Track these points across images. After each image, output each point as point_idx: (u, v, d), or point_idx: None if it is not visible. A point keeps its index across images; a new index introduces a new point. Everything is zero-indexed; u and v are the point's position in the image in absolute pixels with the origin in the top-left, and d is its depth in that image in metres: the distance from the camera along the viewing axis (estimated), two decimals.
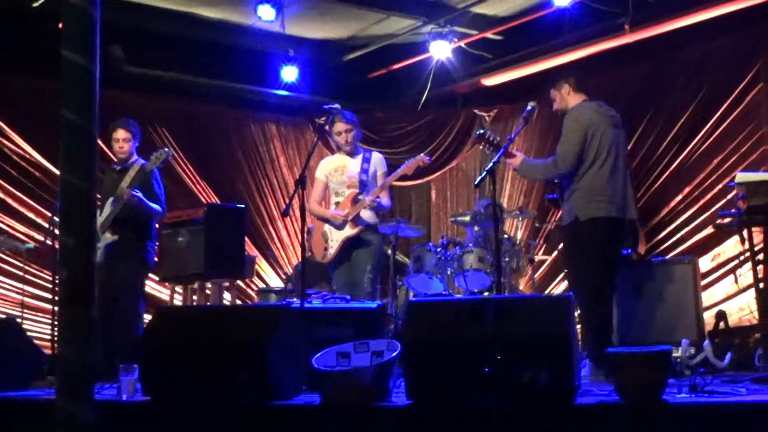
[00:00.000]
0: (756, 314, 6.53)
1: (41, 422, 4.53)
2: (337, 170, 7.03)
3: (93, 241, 2.82)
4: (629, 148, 7.83)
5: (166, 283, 8.73)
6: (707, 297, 8.18)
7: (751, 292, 7.04)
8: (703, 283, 7.83)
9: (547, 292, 9.76)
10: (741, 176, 6.02)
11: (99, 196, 6.74)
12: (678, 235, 8.94)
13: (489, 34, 9.97)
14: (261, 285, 10.51)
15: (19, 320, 7.81)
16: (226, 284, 8.41)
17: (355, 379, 4.21)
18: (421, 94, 10.60)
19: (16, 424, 4.92)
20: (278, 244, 11.08)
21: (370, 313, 5.63)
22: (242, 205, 8.98)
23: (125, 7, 8.97)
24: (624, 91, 9.24)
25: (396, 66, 10.71)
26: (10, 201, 9.25)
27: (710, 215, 8.36)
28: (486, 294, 8.28)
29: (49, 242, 7.38)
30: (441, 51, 9.74)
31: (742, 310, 8.04)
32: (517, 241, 8.86)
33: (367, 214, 6.92)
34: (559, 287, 9.75)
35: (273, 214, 11.11)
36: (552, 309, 4.16)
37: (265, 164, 11.25)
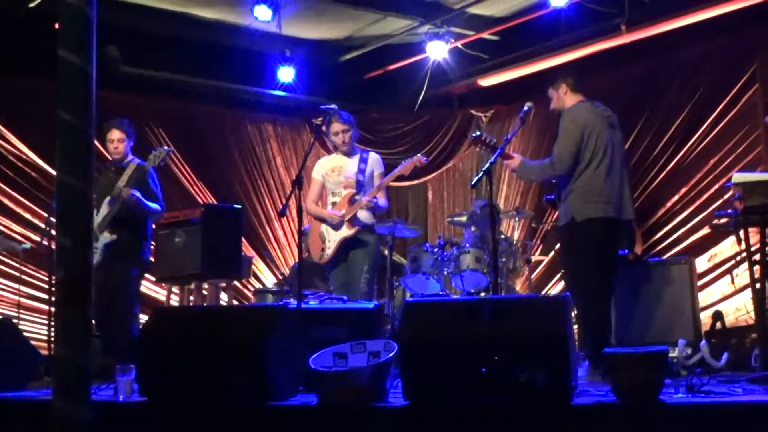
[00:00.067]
0: (752, 314, 6.54)
1: (38, 423, 4.52)
2: (334, 170, 7.03)
3: (90, 242, 2.82)
4: (626, 148, 7.83)
5: (163, 284, 8.72)
6: (704, 297, 8.19)
7: (748, 293, 7.04)
8: (699, 283, 7.85)
9: (543, 292, 9.77)
10: (737, 177, 6.02)
11: (95, 195, 6.74)
12: (675, 236, 8.94)
13: (485, 35, 9.98)
14: (258, 285, 10.50)
15: (15, 321, 7.80)
16: (223, 285, 8.41)
17: (352, 379, 4.21)
18: (418, 95, 10.60)
19: (12, 425, 4.91)
20: (275, 245, 11.08)
21: (367, 313, 5.62)
22: (239, 206, 8.96)
23: (121, 7, 8.96)
24: (620, 91, 9.24)
25: (392, 66, 10.71)
26: (6, 201, 9.24)
27: (707, 216, 8.37)
28: (483, 294, 8.28)
29: (45, 243, 7.37)
30: (437, 51, 9.74)
31: (739, 310, 8.05)
32: (514, 242, 8.86)
33: (364, 215, 6.92)
34: (555, 288, 9.75)
35: (270, 214, 11.10)
36: (549, 309, 4.16)
37: (262, 164, 11.24)
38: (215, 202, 10.31)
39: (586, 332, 6.05)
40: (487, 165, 5.84)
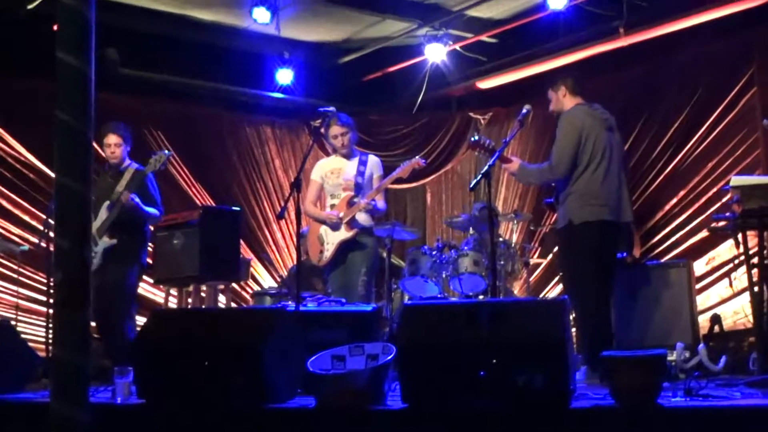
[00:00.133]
0: (750, 318, 6.54)
1: (36, 425, 4.51)
2: (333, 172, 7.03)
3: (88, 243, 2.81)
4: (624, 150, 7.84)
5: (161, 286, 8.72)
6: (702, 300, 8.19)
7: (746, 296, 7.05)
8: (697, 286, 7.85)
9: (542, 295, 9.76)
10: (736, 180, 6.02)
11: (93, 198, 6.73)
12: (673, 239, 8.95)
13: (484, 37, 9.98)
14: (256, 288, 10.49)
15: (13, 323, 7.79)
16: (221, 287, 8.41)
17: (350, 382, 4.21)
18: (416, 97, 10.60)
19: (10, 427, 4.91)
20: (273, 247, 11.07)
21: (365, 316, 5.62)
22: (237, 208, 8.98)
23: (120, 9, 8.97)
24: (619, 94, 9.24)
25: (391, 69, 10.71)
26: (4, 203, 9.23)
27: (705, 219, 8.37)
28: (481, 297, 8.28)
29: (43, 244, 7.36)
30: (436, 54, 9.74)
31: (737, 313, 8.05)
32: (512, 245, 8.86)
33: (362, 217, 6.92)
34: (554, 291, 9.75)
35: (268, 216, 11.10)
36: (547, 312, 4.16)
37: (260, 167, 11.24)
38: (213, 204, 10.31)
39: (585, 335, 6.05)
40: (486, 168, 5.84)
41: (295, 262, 8.09)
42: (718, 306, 8.25)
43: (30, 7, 8.61)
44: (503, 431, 3.84)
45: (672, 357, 5.51)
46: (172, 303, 8.49)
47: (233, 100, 10.83)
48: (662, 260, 8.51)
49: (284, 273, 10.54)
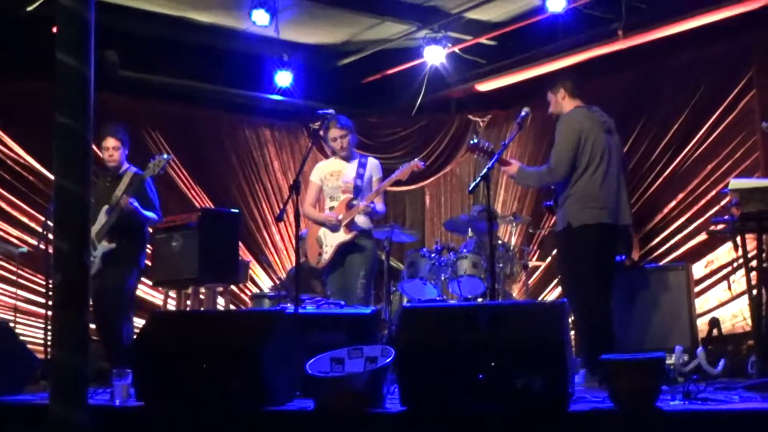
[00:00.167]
0: (749, 321, 6.54)
1: (35, 427, 4.51)
2: (333, 174, 7.03)
3: (87, 246, 2.81)
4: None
5: (160, 288, 8.72)
6: (700, 304, 8.19)
7: (745, 299, 7.05)
8: (696, 289, 7.85)
9: (540, 298, 9.76)
10: (734, 183, 6.02)
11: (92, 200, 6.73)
12: (671, 242, 8.95)
13: (483, 40, 9.98)
14: (255, 290, 10.49)
15: (12, 324, 7.78)
16: (220, 289, 8.40)
17: (349, 385, 4.21)
18: (415, 99, 10.60)
19: (9, 429, 4.91)
20: (272, 249, 11.07)
21: (364, 318, 5.62)
22: (236, 210, 8.97)
23: (119, 11, 8.97)
24: (618, 96, 9.24)
25: (390, 71, 10.71)
26: (3, 205, 9.22)
27: (704, 222, 8.37)
28: (480, 300, 8.28)
29: (42, 246, 7.36)
30: (435, 56, 9.74)
31: (736, 317, 8.05)
32: (511, 247, 8.86)
33: (361, 220, 6.92)
34: (552, 293, 9.75)
35: (267, 219, 11.09)
36: (546, 315, 4.16)
37: (259, 169, 11.24)
38: (212, 207, 10.30)
39: (583, 338, 6.05)
40: (485, 170, 5.84)
41: (293, 265, 8.08)
42: (717, 309, 8.25)
43: (29, 8, 8.60)
44: None
45: (671, 360, 5.52)
46: (171, 305, 8.48)
47: (232, 102, 10.83)
48: (661, 263, 8.51)
49: (283, 275, 10.54)
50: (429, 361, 4.05)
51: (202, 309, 8.14)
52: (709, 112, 8.77)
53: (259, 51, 10.23)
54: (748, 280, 6.14)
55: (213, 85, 10.43)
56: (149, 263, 7.76)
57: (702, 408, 3.82)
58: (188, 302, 8.21)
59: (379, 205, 6.97)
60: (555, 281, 9.54)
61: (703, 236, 8.33)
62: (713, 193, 8.47)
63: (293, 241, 10.35)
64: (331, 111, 6.72)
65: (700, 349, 5.76)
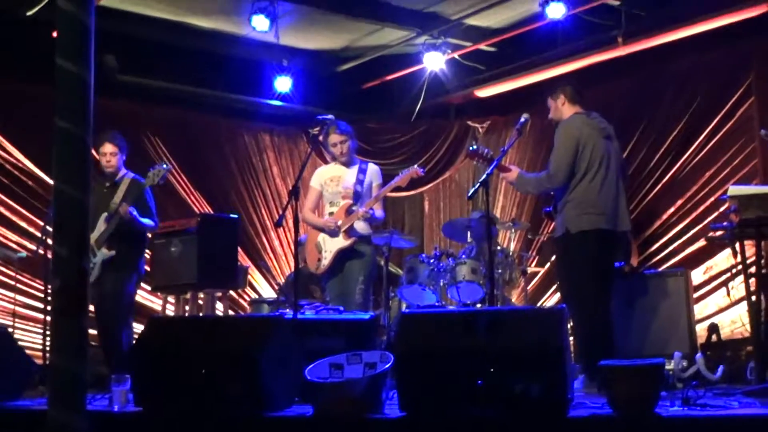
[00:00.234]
0: (748, 327, 6.54)
1: None
2: (333, 180, 7.02)
3: (86, 251, 2.81)
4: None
5: (159, 293, 8.71)
6: (699, 310, 8.19)
7: (744, 305, 7.05)
8: (695, 295, 7.86)
9: (539, 304, 9.76)
10: (733, 189, 6.03)
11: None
12: (670, 248, 8.95)
13: (482, 46, 9.99)
14: (254, 295, 10.49)
15: (10, 330, 7.78)
16: (219, 294, 8.40)
17: (348, 390, 4.20)
18: (415, 105, 10.62)
19: None
20: (271, 255, 11.07)
21: (363, 324, 5.62)
22: (235, 215, 8.97)
23: (119, 16, 8.97)
24: (617, 103, 9.25)
25: (389, 77, 10.72)
26: (2, 209, 9.22)
27: (703, 228, 8.38)
28: (479, 306, 8.28)
29: (41, 251, 7.35)
30: (434, 62, 9.75)
31: (734, 323, 8.05)
32: (510, 253, 8.87)
33: (360, 225, 6.91)
34: (551, 299, 9.74)
35: (266, 224, 11.09)
36: (545, 321, 4.16)
37: (258, 174, 11.24)
38: (211, 212, 10.29)
39: (582, 344, 6.05)
40: (484, 176, 5.85)
41: (292, 270, 8.06)
42: (716, 315, 8.25)
43: (29, 13, 8.60)
44: None
45: (669, 366, 5.50)
46: (170, 310, 8.48)
47: (232, 107, 10.84)
48: (660, 269, 8.51)
49: (282, 281, 10.53)
50: (428, 367, 4.05)
51: (200, 314, 8.13)
52: (708, 119, 8.78)
53: (258, 56, 10.23)
54: (747, 286, 6.14)
55: (212, 90, 10.44)
56: (148, 268, 7.75)
57: (701, 414, 3.82)
58: (187, 307, 8.21)
59: (378, 211, 6.96)
60: (554, 287, 9.53)
61: (701, 242, 8.32)
62: (712, 199, 8.47)
63: (292, 247, 10.35)
64: (330, 116, 6.72)
65: (699, 355, 5.75)
